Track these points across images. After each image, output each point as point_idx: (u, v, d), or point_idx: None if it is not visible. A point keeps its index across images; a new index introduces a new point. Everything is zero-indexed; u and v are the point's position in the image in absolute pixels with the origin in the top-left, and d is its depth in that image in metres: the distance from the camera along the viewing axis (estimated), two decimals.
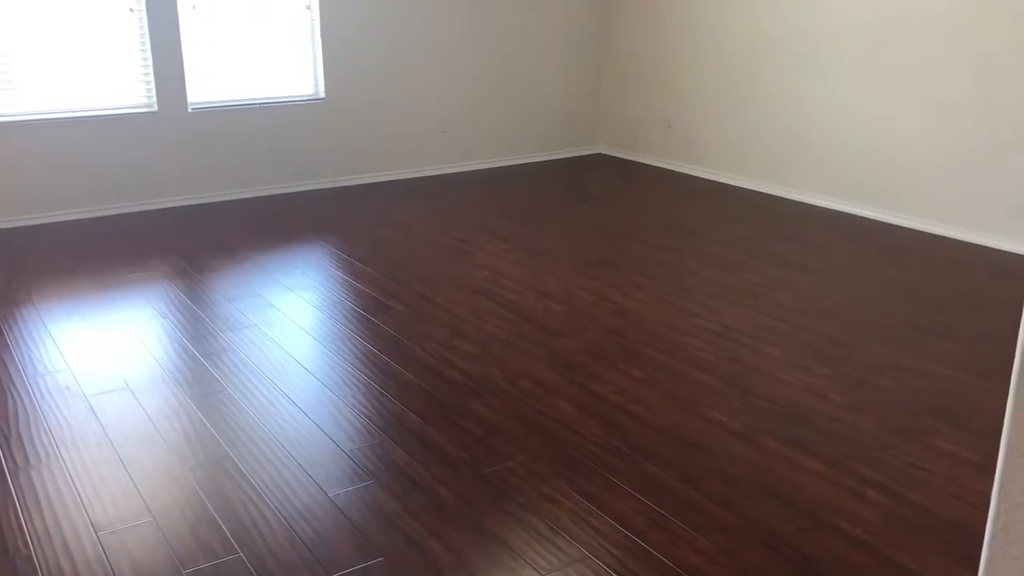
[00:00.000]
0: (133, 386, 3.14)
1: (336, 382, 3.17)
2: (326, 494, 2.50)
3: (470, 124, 6.54)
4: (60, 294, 4.01)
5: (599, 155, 7.15)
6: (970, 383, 3.18)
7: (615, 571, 2.18)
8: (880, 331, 3.64)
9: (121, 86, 5.23)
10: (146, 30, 5.19)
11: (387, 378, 3.20)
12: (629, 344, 3.50)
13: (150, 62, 5.25)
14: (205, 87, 5.50)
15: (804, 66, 5.53)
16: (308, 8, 5.73)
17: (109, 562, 2.21)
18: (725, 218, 5.34)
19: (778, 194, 5.82)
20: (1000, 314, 3.83)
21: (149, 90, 5.30)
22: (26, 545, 2.28)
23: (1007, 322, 3.73)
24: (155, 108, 5.33)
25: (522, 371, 3.25)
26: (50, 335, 3.56)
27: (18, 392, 3.10)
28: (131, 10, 5.15)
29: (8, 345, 3.48)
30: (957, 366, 3.31)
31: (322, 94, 5.88)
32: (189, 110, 5.43)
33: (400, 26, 6.04)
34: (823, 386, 3.14)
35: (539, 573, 2.18)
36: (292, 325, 3.68)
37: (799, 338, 3.57)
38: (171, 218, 5.26)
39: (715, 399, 3.05)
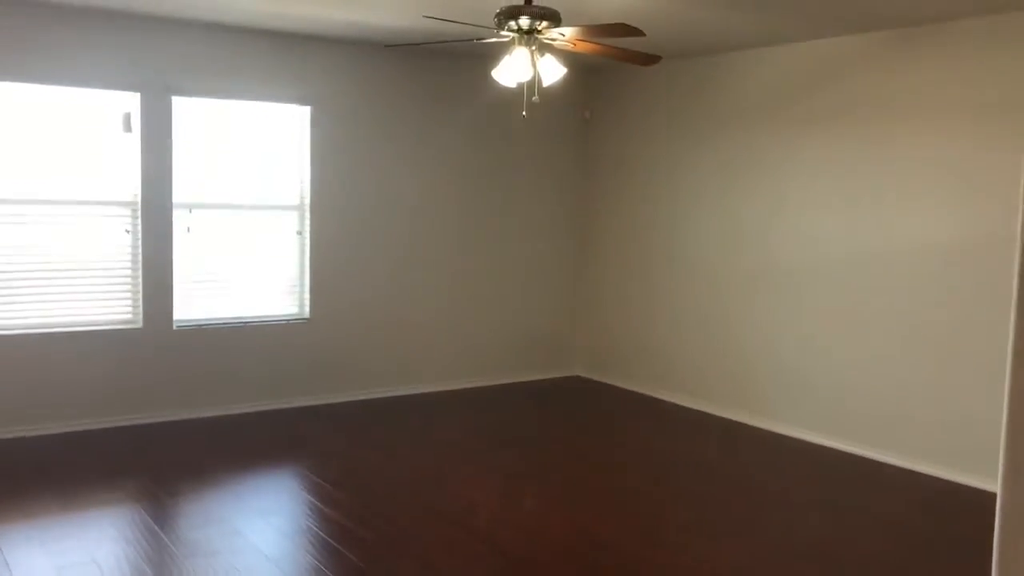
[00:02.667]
0: None
1: None
2: None
3: (451, 345, 6.67)
4: (22, 515, 3.91)
5: (576, 378, 7.25)
6: None
7: None
8: (874, 570, 3.58)
9: (108, 302, 5.36)
10: (139, 250, 5.39)
11: None
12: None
13: (140, 280, 5.41)
14: (191, 305, 5.64)
15: (778, 298, 5.75)
16: (299, 233, 5.99)
17: None
18: (703, 449, 5.36)
19: (756, 424, 5.87)
20: (983, 557, 3.78)
21: (136, 306, 5.43)
22: None
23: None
24: (139, 324, 5.43)
25: None
26: (5, 562, 3.44)
27: None
28: (127, 231, 5.37)
29: None
30: None
31: (307, 314, 6.03)
32: (174, 327, 5.54)
33: (386, 253, 6.30)
34: None
35: None
36: (258, 554, 3.58)
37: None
38: (147, 435, 5.22)
39: None
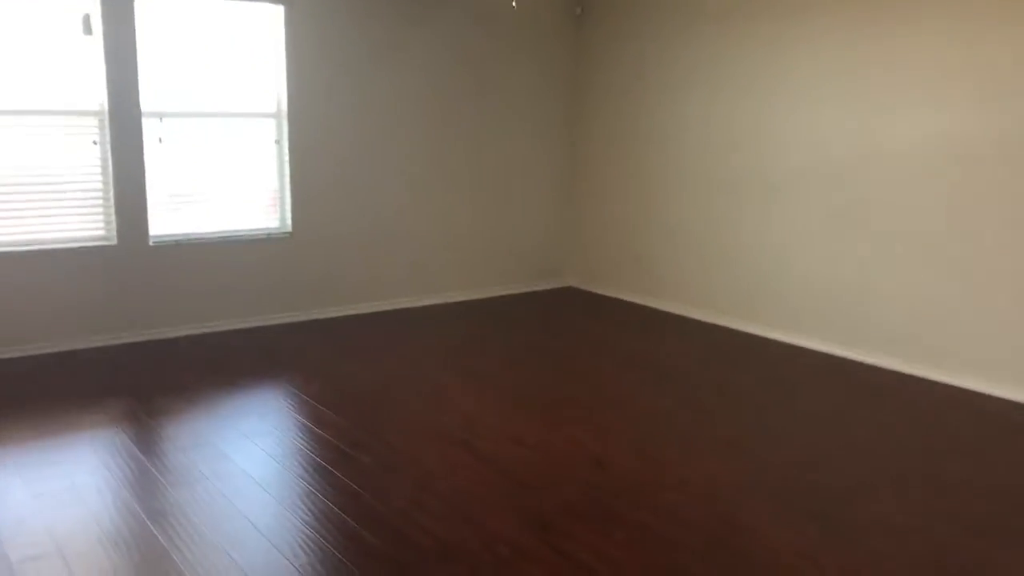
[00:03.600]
0: (65, 550, 2.85)
1: (292, 547, 2.90)
2: None
3: (441, 257, 6.45)
4: None
5: (570, 288, 7.07)
6: (966, 543, 2.99)
7: None
8: (867, 484, 3.46)
9: (80, 218, 5.08)
10: (109, 162, 5.09)
11: (348, 541, 2.93)
12: (607, 500, 3.28)
13: (111, 194, 5.12)
14: (168, 220, 5.37)
15: (775, 201, 5.54)
16: (277, 142, 5.69)
17: None
18: (698, 357, 5.21)
19: (749, 331, 5.72)
20: (982, 462, 3.67)
21: (109, 223, 5.15)
22: None
23: (992, 472, 3.57)
24: (114, 241, 5.17)
25: (496, 533, 3.01)
26: None
27: None
28: (95, 143, 5.06)
29: None
30: (956, 524, 3.13)
31: (289, 227, 5.77)
32: (150, 243, 5.28)
33: (371, 160, 6.01)
34: (815, 550, 2.93)
35: None
36: (246, 479, 3.42)
37: (785, 492, 3.37)
38: (127, 355, 5.02)
39: (699, 566, 2.82)
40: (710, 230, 5.97)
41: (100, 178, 5.11)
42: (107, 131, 5.06)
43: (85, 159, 5.05)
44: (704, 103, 5.91)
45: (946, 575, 2.78)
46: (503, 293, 6.79)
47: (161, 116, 5.24)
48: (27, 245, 4.93)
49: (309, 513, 3.14)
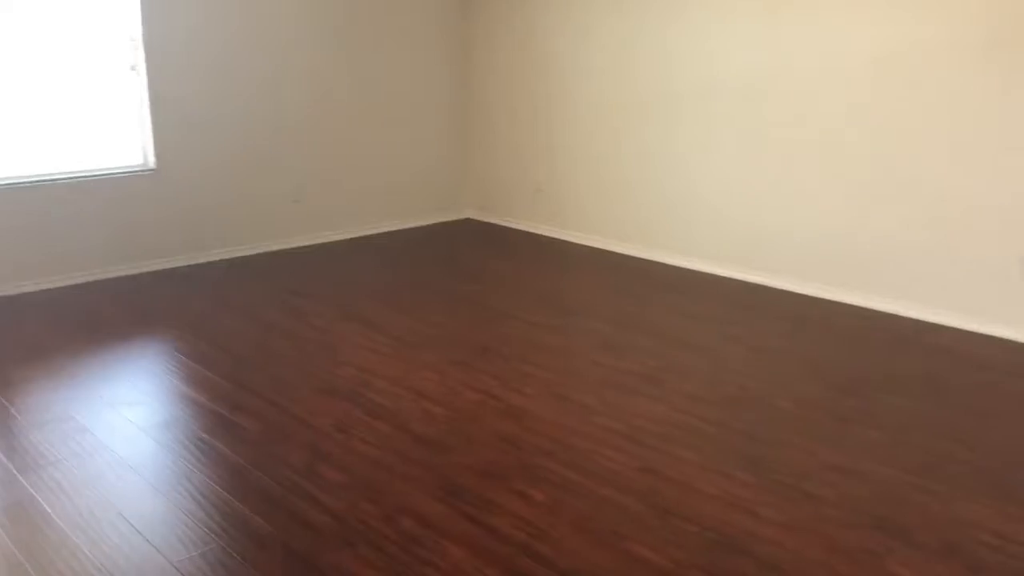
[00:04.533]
0: None
1: (168, 541, 2.50)
2: None
3: (325, 191, 5.96)
4: None
5: (467, 221, 6.70)
6: (906, 483, 2.84)
7: None
8: (796, 421, 3.29)
9: None
10: None
11: (233, 528, 2.56)
12: (525, 456, 2.99)
13: None
14: (6, 159, 4.70)
15: (678, 126, 5.27)
16: (133, 69, 5.04)
17: None
18: (606, 289, 4.96)
19: (656, 259, 5.51)
20: (911, 391, 3.56)
21: None
22: None
23: (920, 401, 3.45)
24: None
25: (402, 504, 2.68)
26: None
27: None
28: None
29: None
30: (888, 462, 2.98)
31: (152, 164, 5.16)
32: None
33: (243, 86, 5.42)
34: (752, 499, 2.72)
35: None
36: (113, 458, 2.98)
37: (713, 436, 3.16)
38: None
39: (633, 526, 2.57)
40: (611, 155, 5.67)
41: None
42: None
43: None
44: (602, 21, 5.54)
45: (886, 524, 2.62)
46: (396, 228, 6.37)
47: None
48: None
49: (188, 497, 2.73)
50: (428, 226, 6.49)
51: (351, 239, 6.09)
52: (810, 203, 4.75)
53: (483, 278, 5.21)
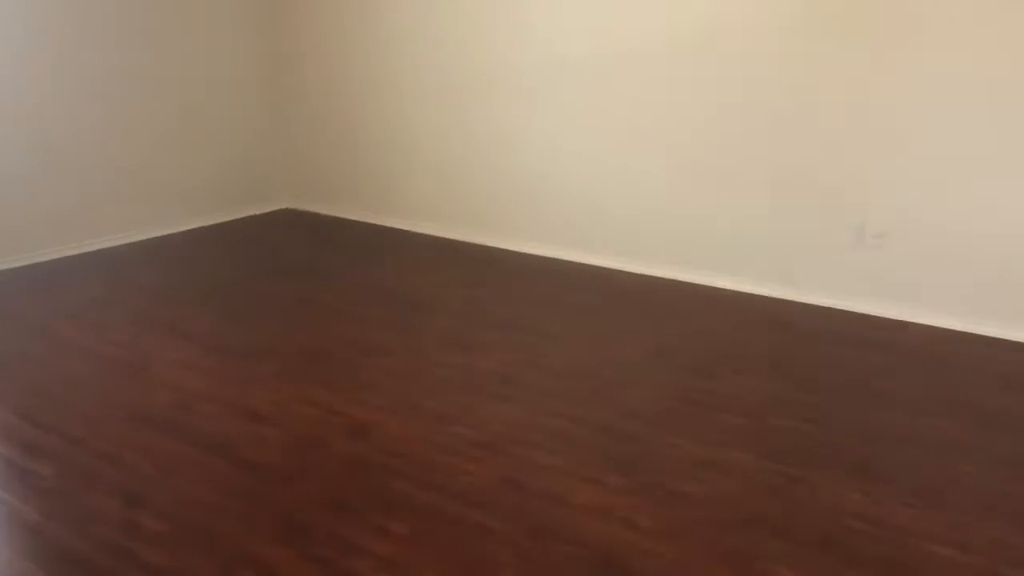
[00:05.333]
0: None
1: None
2: None
3: (124, 187, 5.33)
4: None
5: (286, 211, 6.23)
6: (772, 471, 2.77)
7: None
8: (657, 412, 3.16)
9: None
10: None
11: None
12: (378, 480, 2.69)
13: None
14: None
15: (512, 105, 5.06)
16: None
17: None
18: (448, 281, 4.71)
19: (498, 245, 5.30)
20: (761, 370, 3.53)
21: None
22: None
23: (770, 381, 3.43)
24: None
25: (240, 552, 2.32)
26: None
27: None
28: None
29: None
30: (751, 449, 2.90)
31: None
32: None
33: (27, 70, 4.72)
34: (625, 505, 2.56)
35: None
36: None
37: (576, 437, 2.98)
38: None
39: (505, 551, 2.34)
40: (445, 137, 5.39)
41: None
42: None
43: None
44: (434, 3, 5.24)
45: (762, 521, 2.52)
46: (208, 223, 5.82)
47: None
48: None
49: None
50: (240, 220, 5.96)
51: (156, 238, 5.49)
52: (651, 184, 4.67)
53: (309, 274, 4.82)
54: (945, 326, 3.95)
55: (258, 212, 6.11)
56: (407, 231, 5.66)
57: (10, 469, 2.74)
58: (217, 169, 5.81)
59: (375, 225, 5.81)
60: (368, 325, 4.01)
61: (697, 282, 4.60)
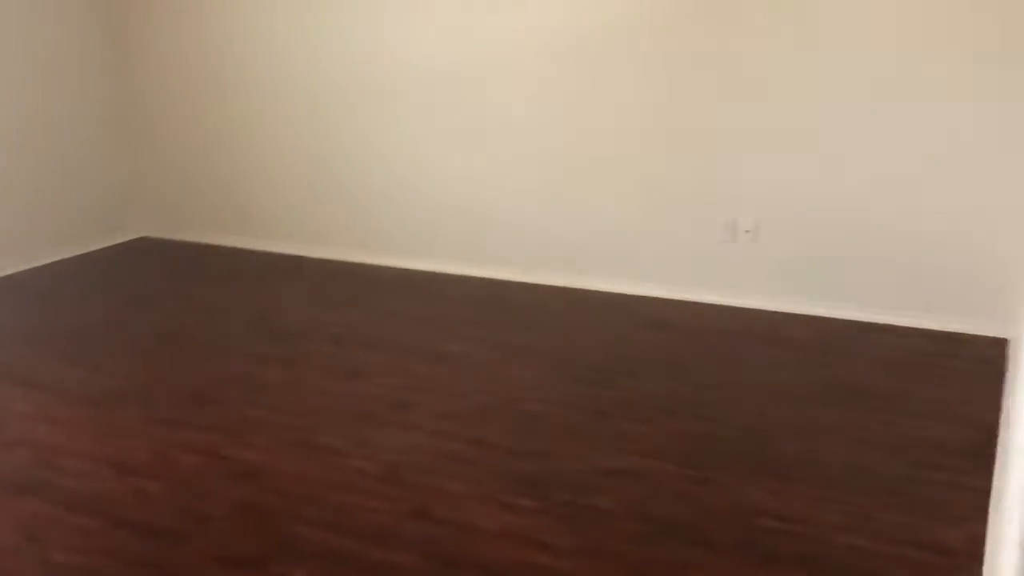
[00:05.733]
0: None
1: None
2: None
3: None
4: None
5: (142, 240, 5.85)
6: (679, 476, 2.76)
7: None
8: (557, 425, 3.11)
9: None
10: None
11: None
12: (276, 526, 2.51)
13: None
14: None
15: (377, 118, 4.91)
16: None
17: None
18: (324, 303, 4.51)
19: (372, 262, 5.13)
20: (653, 373, 3.54)
21: None
22: None
23: (664, 382, 3.44)
24: None
25: None
26: None
27: None
28: None
29: None
30: (655, 455, 2.89)
31: None
32: None
33: None
34: (538, 527, 2.49)
35: None
36: None
37: (478, 459, 2.89)
38: None
39: None
40: (310, 152, 5.18)
41: None
42: None
43: None
44: (287, 8, 5.01)
45: (676, 529, 2.51)
46: (55, 258, 5.35)
47: None
48: None
49: None
50: (91, 254, 5.53)
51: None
52: (525, 191, 4.63)
53: (171, 307, 4.52)
54: (824, 315, 4.08)
55: (110, 244, 5.70)
56: (272, 253, 5.41)
57: None
58: (59, 202, 5.37)
59: (238, 249, 5.53)
60: (242, 358, 3.79)
61: (580, 287, 4.59)
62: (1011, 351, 3.46)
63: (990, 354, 3.61)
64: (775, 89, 3.93)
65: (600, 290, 4.54)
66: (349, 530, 2.48)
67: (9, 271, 5.09)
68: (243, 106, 5.28)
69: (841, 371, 3.50)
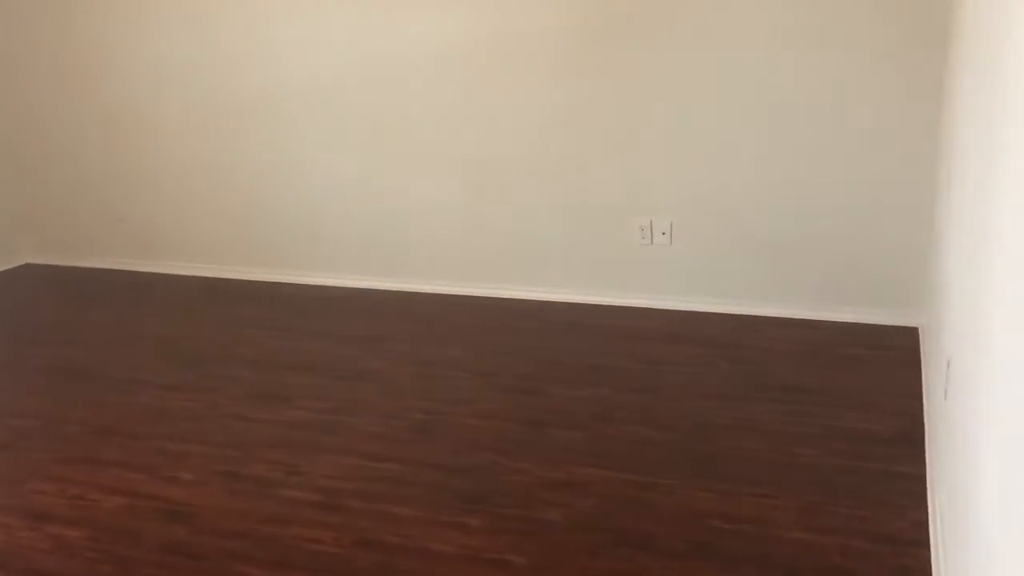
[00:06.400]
0: None
1: None
2: None
3: None
4: None
5: (27, 267, 5.49)
6: (624, 482, 2.75)
7: None
8: (494, 440, 3.06)
9: None
10: None
11: None
12: (214, 566, 2.37)
13: None
14: None
15: (278, 132, 4.74)
16: None
17: None
18: (230, 324, 4.33)
19: (278, 279, 4.95)
20: (582, 379, 3.53)
21: None
22: None
23: (592, 387, 3.44)
24: None
25: None
26: None
27: None
28: None
29: None
30: (598, 463, 2.87)
31: None
32: None
33: None
34: (491, 546, 2.43)
35: None
36: None
37: (419, 479, 2.81)
38: None
39: None
40: (205, 168, 4.96)
41: None
42: None
43: None
44: (179, 22, 4.78)
45: (624, 536, 2.49)
46: None
47: None
48: None
49: None
50: None
51: None
52: (437, 201, 4.55)
53: (69, 338, 4.24)
54: (743, 312, 4.16)
55: None
56: (173, 275, 5.16)
57: None
58: None
59: (136, 272, 5.25)
60: (153, 388, 3.58)
61: (497, 296, 4.55)
62: (923, 338, 3.61)
63: (905, 342, 3.75)
64: (683, 91, 3.99)
65: (518, 298, 4.51)
66: (295, 566, 2.37)
67: None
68: (138, 123, 5.01)
69: (765, 368, 3.58)
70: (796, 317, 4.09)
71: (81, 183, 5.26)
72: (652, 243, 4.24)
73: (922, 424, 3.00)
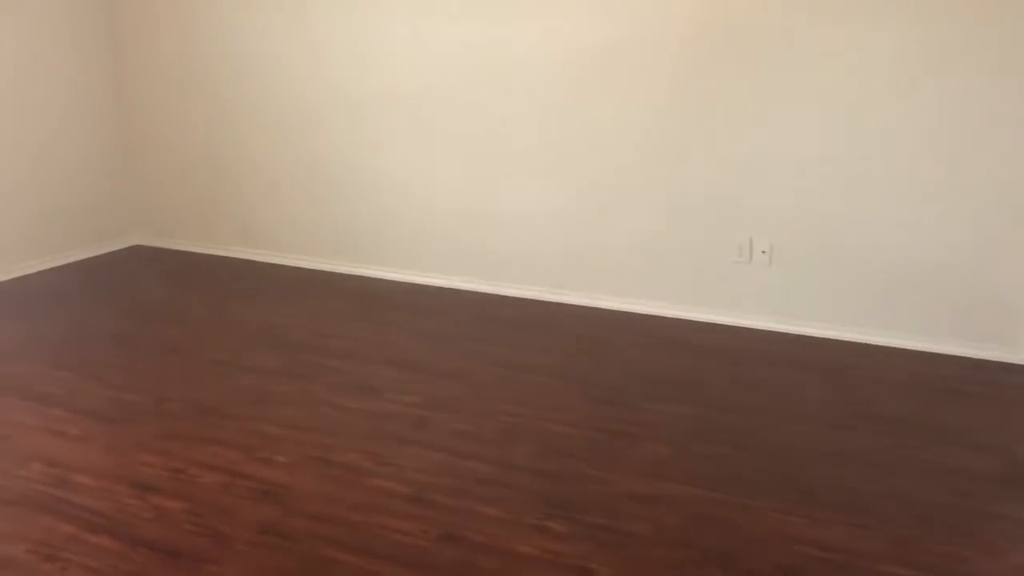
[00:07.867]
0: None
1: None
2: None
3: None
4: None
5: (137, 248, 5.73)
6: (711, 500, 2.71)
7: None
8: (580, 447, 3.05)
9: None
10: None
11: None
12: (303, 548, 2.43)
13: None
14: None
15: (383, 131, 4.85)
16: None
17: None
18: (330, 315, 4.43)
19: (377, 275, 5.05)
20: (673, 394, 3.50)
21: None
22: None
23: (683, 404, 3.40)
24: None
25: None
26: None
27: None
28: None
29: None
30: (684, 479, 2.84)
31: None
32: None
33: None
34: (575, 553, 2.42)
35: None
36: None
37: (504, 480, 2.82)
38: None
39: None
40: (309, 162, 5.10)
41: None
42: None
43: None
44: (280, 20, 4.94)
45: (711, 555, 2.45)
46: (40, 268, 5.21)
47: None
48: None
49: None
50: (83, 262, 5.40)
51: None
52: (530, 206, 4.58)
53: (174, 318, 4.42)
54: (842, 338, 4.05)
55: (104, 252, 5.58)
56: (272, 264, 5.32)
57: None
58: (60, 210, 5.25)
59: (235, 259, 5.43)
60: (253, 371, 3.70)
61: (594, 305, 4.54)
62: None
63: (1018, 381, 3.60)
64: (793, 112, 3.92)
65: (612, 308, 4.49)
66: (380, 554, 2.41)
67: (1, 278, 4.96)
68: (246, 118, 5.19)
69: (865, 396, 3.48)
70: (898, 346, 3.96)
71: (188, 172, 5.47)
72: (751, 262, 4.17)
73: None
